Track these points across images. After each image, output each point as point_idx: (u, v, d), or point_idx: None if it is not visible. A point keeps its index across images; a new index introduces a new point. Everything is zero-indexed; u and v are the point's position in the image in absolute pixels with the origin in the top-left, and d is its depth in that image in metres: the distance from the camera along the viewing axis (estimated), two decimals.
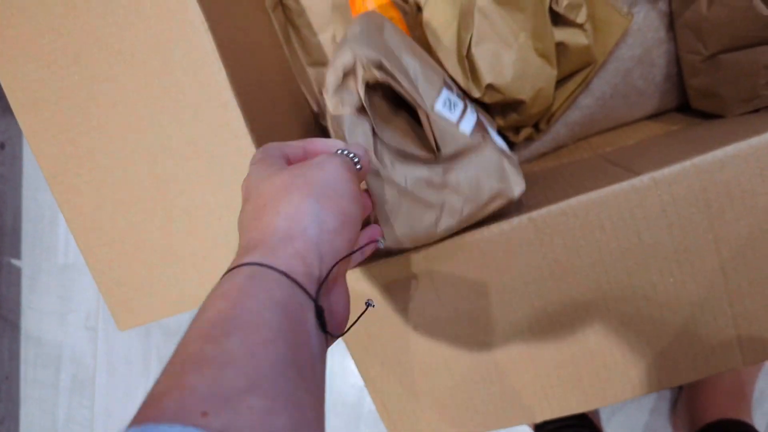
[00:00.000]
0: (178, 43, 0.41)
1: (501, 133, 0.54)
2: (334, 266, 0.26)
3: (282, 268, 0.24)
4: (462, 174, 0.38)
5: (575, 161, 0.54)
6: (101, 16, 0.42)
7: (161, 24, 0.41)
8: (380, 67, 0.36)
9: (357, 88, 0.36)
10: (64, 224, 0.98)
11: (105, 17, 0.42)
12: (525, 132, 0.54)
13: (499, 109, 0.50)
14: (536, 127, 0.55)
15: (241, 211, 0.29)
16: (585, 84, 0.51)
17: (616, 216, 0.39)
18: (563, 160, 0.56)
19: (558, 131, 0.55)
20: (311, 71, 0.59)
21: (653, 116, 0.57)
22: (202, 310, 0.22)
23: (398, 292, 0.44)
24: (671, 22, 0.50)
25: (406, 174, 0.37)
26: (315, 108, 0.59)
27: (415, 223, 0.38)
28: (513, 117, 0.50)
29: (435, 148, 0.38)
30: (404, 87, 0.36)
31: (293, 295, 0.23)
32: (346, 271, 0.31)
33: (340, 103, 0.36)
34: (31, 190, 1.00)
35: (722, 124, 0.47)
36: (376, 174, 0.37)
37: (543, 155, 0.58)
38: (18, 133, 0.99)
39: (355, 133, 0.36)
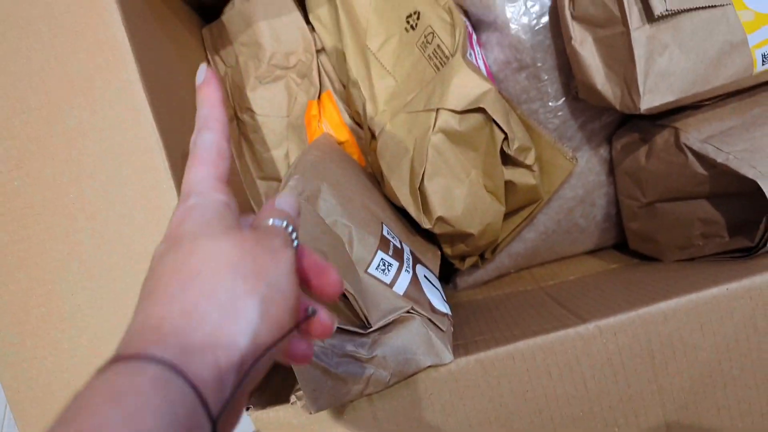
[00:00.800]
0: (129, 158, 0.40)
1: (447, 260, 0.54)
2: (239, 385, 0.20)
3: (196, 380, 0.19)
4: (389, 350, 0.38)
5: (519, 293, 0.54)
6: (49, 123, 0.40)
7: (114, 137, 0.40)
8: None
9: None
10: None
11: (54, 125, 0.40)
12: (470, 260, 0.55)
13: (447, 239, 0.51)
14: (482, 256, 0.55)
15: (160, 255, 0.22)
16: (530, 219, 0.53)
17: (562, 362, 0.39)
18: (506, 289, 0.56)
19: (502, 261, 0.56)
20: (261, 184, 0.59)
21: (594, 251, 0.59)
22: (83, 409, 0.17)
23: (338, 426, 0.42)
24: (611, 168, 0.53)
25: (335, 350, 0.37)
26: None
27: (340, 396, 0.38)
28: (461, 247, 0.51)
29: (364, 322, 0.38)
30: None
31: (194, 415, 0.18)
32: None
33: None
34: None
35: (659, 271, 0.48)
36: None
37: (486, 282, 0.59)
38: None
39: None
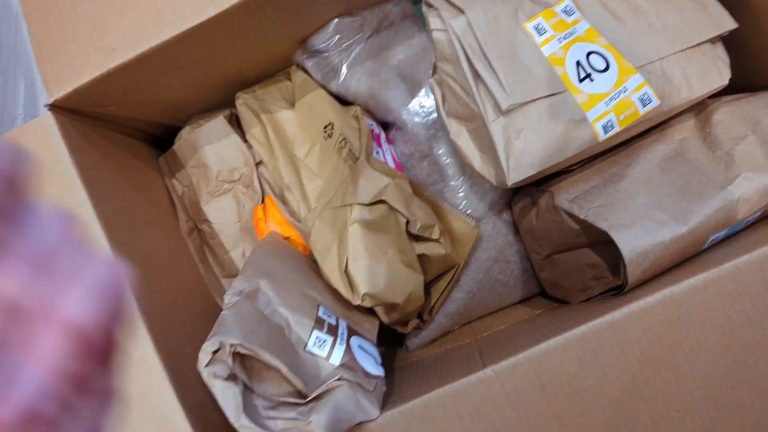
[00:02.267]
0: None
1: (389, 328, 0.62)
2: None
3: None
4: (323, 413, 0.46)
5: (457, 347, 0.62)
6: None
7: None
8: (244, 347, 0.44)
9: (227, 360, 0.44)
10: None
11: None
12: (412, 323, 0.63)
13: (381, 309, 0.59)
14: (422, 318, 0.63)
15: None
16: (454, 281, 0.61)
17: (471, 406, 0.46)
18: (449, 345, 0.64)
19: (441, 321, 0.64)
20: (225, 282, 0.67)
21: (523, 300, 0.67)
22: None
23: None
24: (517, 228, 0.61)
25: (278, 419, 0.45)
26: None
27: None
28: (394, 315, 0.58)
29: (303, 393, 0.46)
30: (266, 358, 0.45)
31: None
32: None
33: (212, 375, 0.44)
34: None
35: (564, 312, 0.56)
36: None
37: (433, 341, 0.66)
38: None
39: (226, 395, 0.44)
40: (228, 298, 0.51)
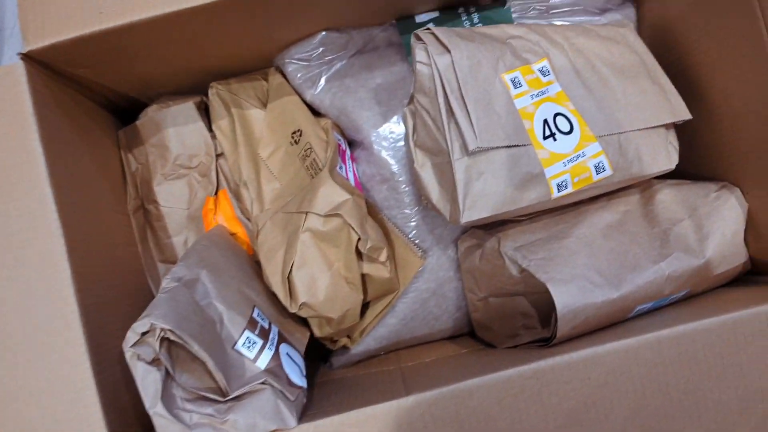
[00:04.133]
0: (29, 243, 0.47)
1: (318, 342, 0.62)
2: None
3: None
4: (240, 414, 0.45)
5: (381, 372, 0.62)
6: None
7: (16, 234, 0.47)
8: (175, 333, 0.44)
9: (154, 344, 0.43)
10: None
11: None
12: (341, 341, 0.63)
13: (314, 322, 0.59)
14: (351, 337, 0.64)
15: None
16: (390, 306, 0.62)
17: (388, 430, 0.47)
18: (373, 369, 0.64)
19: (369, 344, 0.64)
20: (161, 267, 0.66)
21: (452, 337, 0.68)
22: None
23: None
24: (458, 266, 0.63)
25: (193, 413, 0.44)
26: None
27: None
28: (327, 329, 0.59)
29: (225, 390, 0.45)
30: (194, 349, 0.44)
31: None
32: None
33: (135, 356, 0.43)
34: None
35: (488, 355, 0.58)
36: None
37: (358, 362, 0.67)
38: None
39: (146, 380, 0.43)
40: (166, 283, 0.50)
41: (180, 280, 0.50)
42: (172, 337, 0.45)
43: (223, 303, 0.51)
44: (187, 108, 0.64)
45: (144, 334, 0.44)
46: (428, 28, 0.52)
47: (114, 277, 0.55)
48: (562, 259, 0.52)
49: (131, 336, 0.44)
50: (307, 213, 0.55)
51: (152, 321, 0.44)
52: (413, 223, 0.61)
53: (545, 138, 0.52)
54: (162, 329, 0.44)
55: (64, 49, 0.48)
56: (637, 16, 0.65)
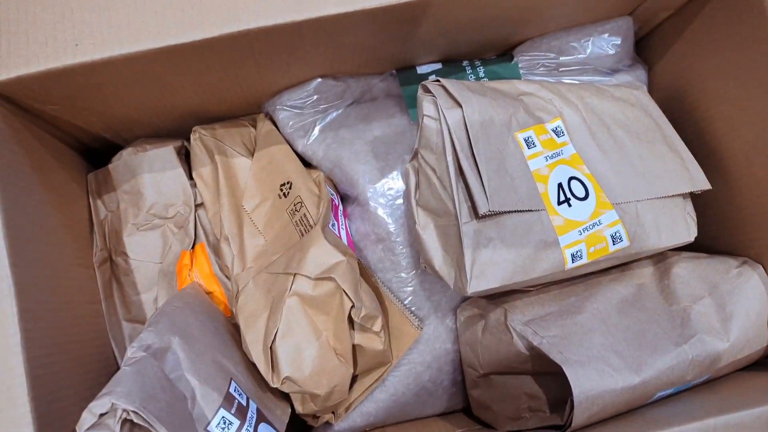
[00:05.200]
0: None
1: (300, 418, 0.55)
2: None
3: None
4: None
5: None
6: None
7: None
8: (139, 415, 0.38)
9: (114, 427, 0.37)
10: None
11: None
12: (324, 417, 0.56)
13: (298, 397, 0.53)
14: (335, 413, 0.57)
15: None
16: (380, 380, 0.56)
17: None
18: None
19: (355, 420, 0.58)
20: (127, 326, 0.59)
21: (444, 413, 0.62)
22: None
23: None
24: (457, 337, 0.58)
25: None
26: (120, 363, 0.58)
27: None
28: (310, 406, 0.52)
29: None
30: None
31: None
32: None
33: None
34: None
35: None
36: None
37: None
38: None
39: None
40: (132, 352, 0.43)
41: (148, 349, 0.44)
42: (136, 419, 0.38)
43: (196, 376, 0.45)
44: (166, 153, 0.59)
45: (103, 414, 0.38)
46: (438, 80, 0.48)
47: (72, 342, 0.49)
48: (577, 338, 0.47)
49: (87, 418, 0.38)
50: (295, 274, 0.50)
51: (113, 400, 0.38)
52: (409, 289, 0.56)
53: (560, 203, 0.48)
54: (125, 410, 0.38)
55: (31, 83, 0.43)
56: (648, 78, 0.63)
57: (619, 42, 0.60)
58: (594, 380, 0.44)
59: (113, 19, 0.43)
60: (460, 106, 0.47)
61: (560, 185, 0.49)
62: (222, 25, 0.43)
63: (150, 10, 0.43)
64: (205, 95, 0.56)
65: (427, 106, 0.48)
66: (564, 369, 0.44)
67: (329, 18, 0.44)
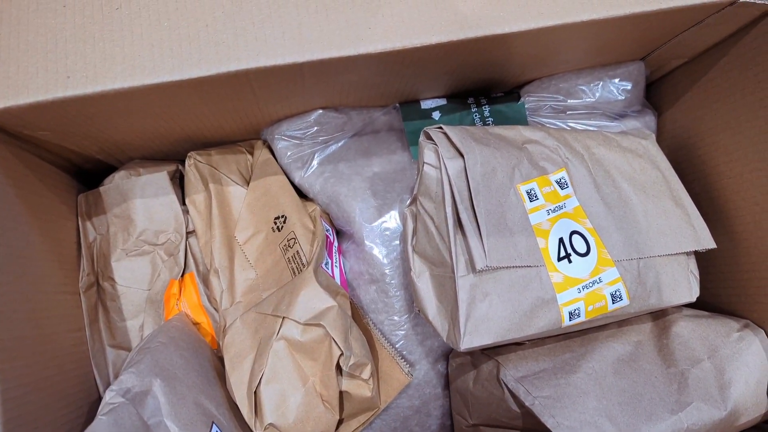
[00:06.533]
0: None
1: None
2: None
3: None
4: None
5: None
6: None
7: None
8: None
9: None
10: None
11: None
12: None
13: None
14: None
15: None
16: (367, 424, 0.54)
17: None
18: None
19: None
20: (111, 352, 0.58)
21: None
22: None
23: None
24: (447, 383, 0.56)
25: None
26: (102, 391, 0.57)
27: None
28: None
29: None
30: None
31: None
32: None
33: None
34: None
35: None
36: None
37: None
38: None
39: None
40: (110, 397, 0.42)
41: (127, 394, 0.43)
42: None
43: (176, 421, 0.43)
44: (159, 178, 0.57)
45: None
46: (440, 127, 0.47)
47: (52, 376, 0.47)
48: (570, 400, 0.46)
49: None
50: (283, 318, 0.49)
51: None
52: (402, 332, 0.55)
53: (560, 259, 0.47)
54: None
55: (21, 114, 0.41)
56: (657, 125, 0.61)
57: (629, 87, 0.58)
58: None
59: (107, 51, 0.42)
60: (462, 156, 0.45)
61: (561, 240, 0.47)
62: (220, 64, 0.42)
63: (146, 43, 0.42)
64: (201, 123, 0.54)
65: (428, 154, 0.47)
66: None
67: (332, 60, 0.43)
